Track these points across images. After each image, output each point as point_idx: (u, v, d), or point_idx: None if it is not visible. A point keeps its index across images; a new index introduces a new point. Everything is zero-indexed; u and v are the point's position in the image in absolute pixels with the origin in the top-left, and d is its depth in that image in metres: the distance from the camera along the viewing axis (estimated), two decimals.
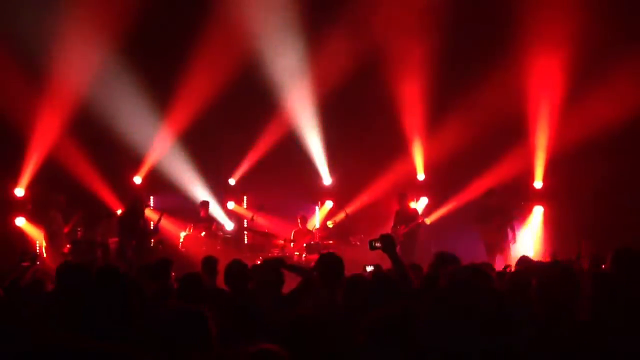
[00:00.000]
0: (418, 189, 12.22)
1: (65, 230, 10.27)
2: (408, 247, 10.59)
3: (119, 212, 10.88)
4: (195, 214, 11.45)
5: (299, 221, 11.73)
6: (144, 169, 12.05)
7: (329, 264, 4.95)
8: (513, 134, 11.26)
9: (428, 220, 11.65)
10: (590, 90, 10.45)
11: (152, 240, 10.40)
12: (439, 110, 11.61)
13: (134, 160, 11.96)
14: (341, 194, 12.49)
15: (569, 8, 10.10)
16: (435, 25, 11.02)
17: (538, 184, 11.49)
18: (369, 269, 6.62)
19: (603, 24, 9.91)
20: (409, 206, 11.20)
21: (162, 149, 12.06)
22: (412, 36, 11.44)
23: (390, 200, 11.54)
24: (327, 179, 12.71)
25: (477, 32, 11.11)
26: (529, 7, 10.50)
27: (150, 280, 5.10)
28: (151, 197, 12.12)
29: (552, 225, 11.04)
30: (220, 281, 5.69)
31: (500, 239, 10.37)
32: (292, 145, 12.28)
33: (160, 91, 11.63)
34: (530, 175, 11.48)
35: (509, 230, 10.44)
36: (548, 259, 7.82)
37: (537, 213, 11.51)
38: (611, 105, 10.08)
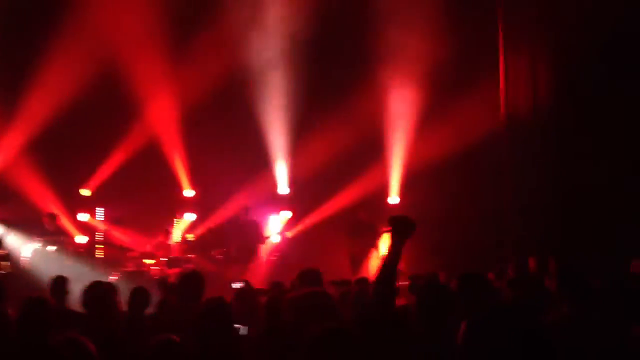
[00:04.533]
0: (280, 203, 12.38)
1: None
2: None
3: None
4: (41, 226, 10.63)
5: (164, 234, 11.32)
6: None
7: (192, 281, 4.84)
8: (371, 151, 11.83)
9: (289, 234, 11.87)
10: (442, 111, 11.29)
11: None
12: (303, 126, 11.91)
13: None
14: (204, 207, 12.29)
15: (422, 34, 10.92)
16: (300, 43, 11.37)
17: (393, 199, 12.10)
18: (236, 285, 6.58)
19: (456, 47, 10.83)
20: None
21: (6, 155, 11.09)
22: (278, 51, 11.68)
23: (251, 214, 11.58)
24: (189, 191, 12.43)
25: (341, 53, 11.64)
26: (384, 34, 11.19)
27: None
28: None
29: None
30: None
31: (366, 255, 10.83)
32: (153, 155, 11.88)
33: (8, 91, 10.73)
34: (385, 191, 12.08)
35: (374, 248, 10.90)
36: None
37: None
38: (460, 126, 10.95)
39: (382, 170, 12.00)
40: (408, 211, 11.46)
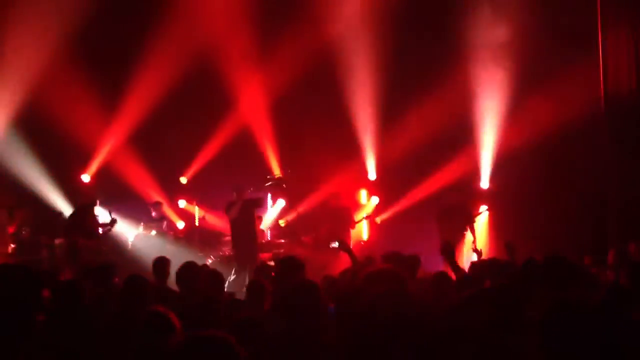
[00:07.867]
0: (369, 188, 12.42)
1: (10, 230, 10.00)
2: None
3: (67, 211, 10.68)
4: (146, 214, 11.34)
5: (256, 220, 11.66)
6: (93, 167, 11.83)
7: (290, 268, 4.97)
8: (461, 134, 11.58)
9: (379, 219, 11.91)
10: (537, 92, 10.86)
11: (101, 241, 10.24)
12: (391, 111, 11.86)
13: (82, 159, 11.73)
14: (294, 193, 12.55)
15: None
16: (388, 28, 11.30)
17: (484, 184, 11.81)
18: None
19: (543, 30, 10.37)
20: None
21: (112, 147, 11.87)
22: (365, 38, 11.67)
23: (341, 199, 11.69)
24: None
25: (431, 37, 11.44)
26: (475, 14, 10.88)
27: (93, 284, 5.07)
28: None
29: (496, 226, 11.35)
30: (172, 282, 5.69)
31: (459, 239, 10.36)
32: (245, 143, 12.28)
33: (111, 87, 11.45)
34: (476, 176, 11.81)
35: (468, 231, 10.50)
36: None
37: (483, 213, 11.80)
38: (551, 110, 10.50)
39: (472, 154, 11.73)
40: (499, 196, 11.32)
